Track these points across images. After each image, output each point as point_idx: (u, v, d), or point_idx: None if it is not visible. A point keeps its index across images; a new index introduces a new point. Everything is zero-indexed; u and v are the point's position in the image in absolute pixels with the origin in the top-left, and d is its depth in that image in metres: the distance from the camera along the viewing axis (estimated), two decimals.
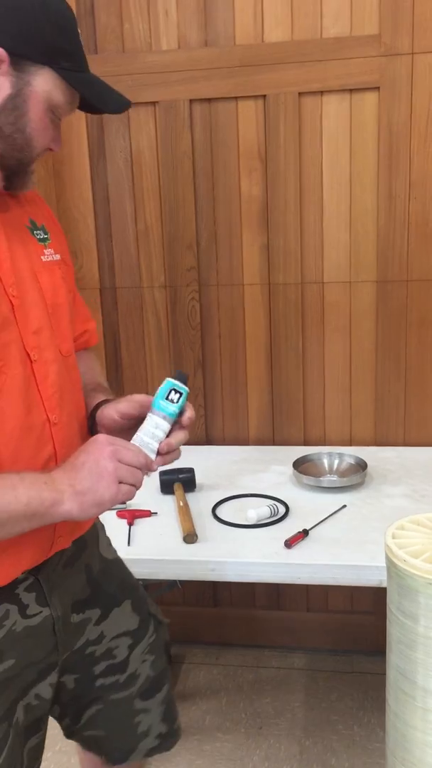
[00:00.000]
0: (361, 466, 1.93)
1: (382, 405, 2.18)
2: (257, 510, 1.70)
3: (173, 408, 1.08)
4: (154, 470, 1.06)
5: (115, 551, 1.34)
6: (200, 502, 1.83)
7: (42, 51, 0.94)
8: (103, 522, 1.35)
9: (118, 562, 1.34)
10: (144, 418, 1.08)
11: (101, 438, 1.00)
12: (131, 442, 1.05)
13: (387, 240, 2.05)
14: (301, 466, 1.93)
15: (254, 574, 1.54)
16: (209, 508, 1.78)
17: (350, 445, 2.21)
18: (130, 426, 1.10)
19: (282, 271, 2.13)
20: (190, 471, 1.89)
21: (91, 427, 1.16)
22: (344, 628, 2.37)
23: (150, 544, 1.63)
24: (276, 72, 1.98)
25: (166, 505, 1.80)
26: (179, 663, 2.40)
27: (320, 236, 2.09)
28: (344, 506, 1.75)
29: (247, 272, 2.15)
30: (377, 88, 1.96)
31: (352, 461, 1.96)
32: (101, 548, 1.29)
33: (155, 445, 1.06)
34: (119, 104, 1.04)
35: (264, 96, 2.01)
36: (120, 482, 0.98)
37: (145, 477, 1.05)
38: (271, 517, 1.71)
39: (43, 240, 1.09)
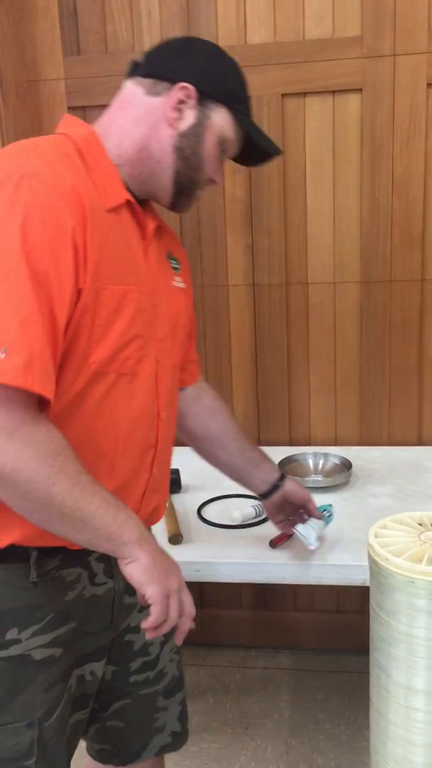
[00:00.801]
0: (346, 466, 1.93)
1: (367, 405, 2.19)
2: (242, 510, 1.70)
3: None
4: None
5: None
6: (186, 503, 1.83)
7: (222, 93, 1.13)
8: None
9: None
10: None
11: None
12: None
13: (370, 241, 2.07)
14: (286, 466, 1.94)
15: (240, 575, 1.54)
16: (195, 509, 1.78)
17: (335, 445, 2.22)
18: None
19: (266, 272, 2.13)
20: (176, 472, 1.89)
21: (268, 490, 1.44)
22: (331, 628, 2.38)
23: None
24: (259, 73, 1.99)
25: None
26: None
27: (304, 237, 2.10)
28: (330, 506, 1.75)
29: (231, 273, 2.15)
30: (360, 90, 1.97)
31: (337, 461, 1.97)
32: None
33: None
34: (275, 148, 1.21)
35: None
36: (171, 599, 1.04)
37: None
38: (256, 517, 1.71)
39: (176, 269, 1.24)
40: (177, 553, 1.58)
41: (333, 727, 2.10)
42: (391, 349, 2.13)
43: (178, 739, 1.39)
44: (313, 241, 2.10)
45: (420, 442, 2.19)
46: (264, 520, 1.69)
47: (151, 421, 1.14)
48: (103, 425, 1.05)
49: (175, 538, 1.62)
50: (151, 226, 1.14)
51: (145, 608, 1.14)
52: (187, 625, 1.07)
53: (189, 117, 1.11)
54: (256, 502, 1.75)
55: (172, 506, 1.76)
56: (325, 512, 1.62)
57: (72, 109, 2.08)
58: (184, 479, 1.92)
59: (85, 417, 1.03)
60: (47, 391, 0.92)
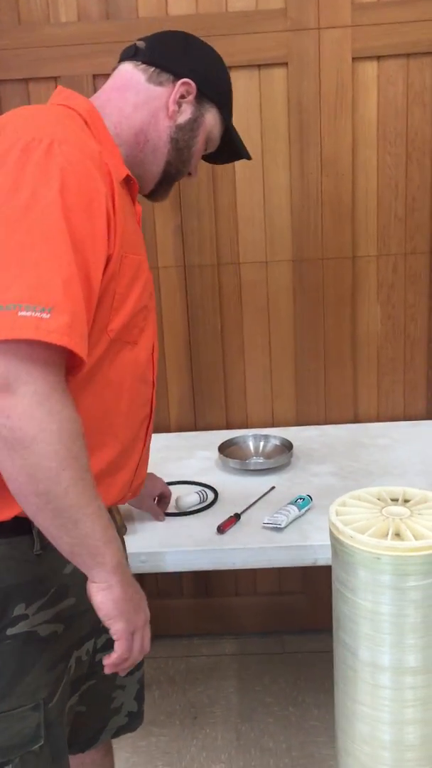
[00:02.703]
0: (286, 446, 1.91)
1: (303, 384, 2.17)
2: (185, 497, 1.65)
3: None
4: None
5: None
6: None
7: (218, 94, 1.21)
8: None
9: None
10: None
11: None
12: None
13: (301, 218, 2.04)
14: (226, 450, 1.90)
15: (189, 563, 1.49)
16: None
17: (273, 426, 2.20)
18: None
19: (197, 253, 2.08)
20: None
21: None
22: (273, 610, 2.37)
23: None
24: None
25: None
26: None
27: (234, 216, 2.06)
28: (273, 488, 1.73)
29: (161, 255, 2.09)
30: (285, 64, 1.94)
31: (278, 442, 1.94)
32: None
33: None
34: (247, 154, 1.32)
35: None
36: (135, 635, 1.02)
37: None
38: (200, 503, 1.67)
39: None
40: None
41: (281, 709, 2.09)
42: (325, 327, 2.12)
43: (135, 720, 1.37)
44: (244, 220, 2.06)
45: (356, 420, 2.20)
46: (209, 506, 1.65)
47: (147, 389, 1.17)
48: (113, 394, 1.07)
49: (120, 530, 1.55)
50: (137, 203, 1.18)
51: None
52: (138, 660, 1.04)
53: (187, 112, 1.18)
54: (199, 488, 1.71)
55: None
56: (299, 500, 1.58)
57: None
58: None
59: (97, 385, 1.04)
60: (86, 354, 0.92)
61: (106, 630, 1.10)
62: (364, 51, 1.92)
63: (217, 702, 2.13)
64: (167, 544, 1.51)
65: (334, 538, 0.99)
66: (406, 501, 1.06)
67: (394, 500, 1.05)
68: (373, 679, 1.01)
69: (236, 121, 1.99)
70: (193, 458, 1.96)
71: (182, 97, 1.16)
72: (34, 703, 1.04)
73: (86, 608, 1.11)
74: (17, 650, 1.03)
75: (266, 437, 1.96)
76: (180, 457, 1.98)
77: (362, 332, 2.13)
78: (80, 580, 1.08)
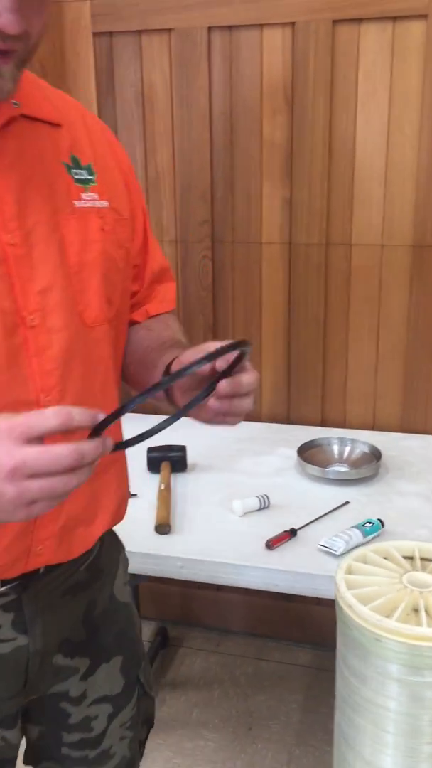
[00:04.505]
0: (375, 455, 1.69)
1: (411, 386, 1.92)
2: (244, 501, 1.50)
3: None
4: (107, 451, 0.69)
5: (129, 593, 1.08)
6: (188, 486, 1.64)
7: None
8: None
9: (127, 608, 1.07)
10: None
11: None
12: None
13: (427, 199, 1.78)
14: (306, 452, 1.72)
15: (226, 577, 1.35)
16: (196, 493, 1.59)
17: (372, 428, 1.97)
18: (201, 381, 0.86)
19: (305, 230, 1.88)
20: (182, 449, 1.70)
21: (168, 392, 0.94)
22: None
23: (119, 532, 1.45)
24: None
25: (150, 487, 1.62)
26: (176, 647, 2.25)
27: (350, 191, 1.83)
28: (347, 503, 1.53)
29: (266, 229, 1.91)
30: (424, 17, 1.67)
31: (366, 449, 1.73)
32: (116, 586, 1.04)
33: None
34: None
35: (293, 23, 1.74)
36: (31, 503, 0.67)
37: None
38: (260, 509, 1.51)
39: (84, 182, 0.90)
40: (161, 545, 1.40)
41: None
42: None
43: None
44: (360, 197, 1.83)
45: None
46: (267, 512, 1.48)
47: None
48: None
49: (162, 528, 1.43)
50: None
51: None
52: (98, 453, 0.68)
53: None
54: (261, 493, 1.54)
55: (168, 489, 1.58)
56: (368, 524, 1.39)
57: (97, 35, 1.86)
58: (193, 457, 1.72)
59: None
60: None
61: (50, 720, 0.96)
62: None
63: (277, 716, 1.98)
64: (208, 552, 1.37)
65: (336, 603, 0.80)
66: None
67: (429, 561, 0.84)
68: None
69: (360, 83, 1.75)
70: (274, 455, 1.79)
71: None
72: None
73: None
74: None
75: (354, 442, 1.75)
76: (260, 451, 1.81)
77: None
78: None
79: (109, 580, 1.03)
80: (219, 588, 2.23)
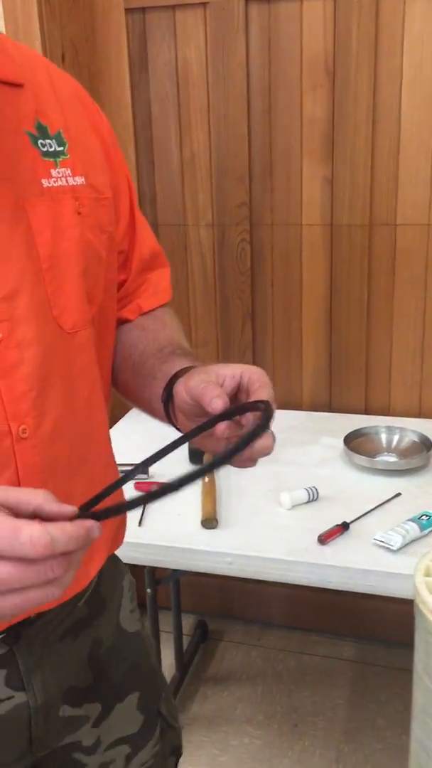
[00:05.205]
0: (425, 444, 1.62)
1: None
2: (291, 493, 1.44)
3: None
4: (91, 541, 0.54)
5: (138, 620, 0.95)
6: (231, 477, 1.58)
7: None
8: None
9: (137, 638, 0.94)
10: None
11: None
12: None
13: None
14: (353, 441, 1.65)
15: (276, 573, 1.29)
16: (240, 485, 1.54)
17: (419, 416, 1.90)
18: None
19: (347, 210, 1.80)
20: None
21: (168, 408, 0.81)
22: (406, 619, 2.10)
23: (163, 527, 1.40)
24: None
25: None
26: (217, 640, 2.21)
27: (395, 169, 1.75)
28: (398, 494, 1.46)
29: (306, 210, 1.84)
30: None
31: (416, 438, 1.66)
32: (122, 616, 0.92)
33: None
34: None
35: None
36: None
37: None
38: (308, 501, 1.45)
39: (53, 154, 0.74)
40: (208, 540, 1.35)
41: (393, 735, 1.85)
42: None
43: None
44: (406, 175, 1.75)
45: None
46: (316, 505, 1.42)
47: None
48: None
49: (209, 522, 1.38)
50: None
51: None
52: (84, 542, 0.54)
53: None
54: (307, 484, 1.48)
55: (212, 481, 1.52)
56: (424, 517, 1.32)
57: (130, 11, 1.79)
58: None
59: None
60: None
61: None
62: None
63: (323, 712, 1.93)
64: (258, 547, 1.32)
65: (416, 607, 0.74)
66: None
67: None
68: None
69: (406, 54, 1.67)
70: (317, 444, 1.73)
71: None
72: None
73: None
74: None
75: (402, 430, 1.68)
76: (303, 441, 1.75)
77: None
78: None
79: (113, 611, 0.90)
80: (260, 581, 2.18)
